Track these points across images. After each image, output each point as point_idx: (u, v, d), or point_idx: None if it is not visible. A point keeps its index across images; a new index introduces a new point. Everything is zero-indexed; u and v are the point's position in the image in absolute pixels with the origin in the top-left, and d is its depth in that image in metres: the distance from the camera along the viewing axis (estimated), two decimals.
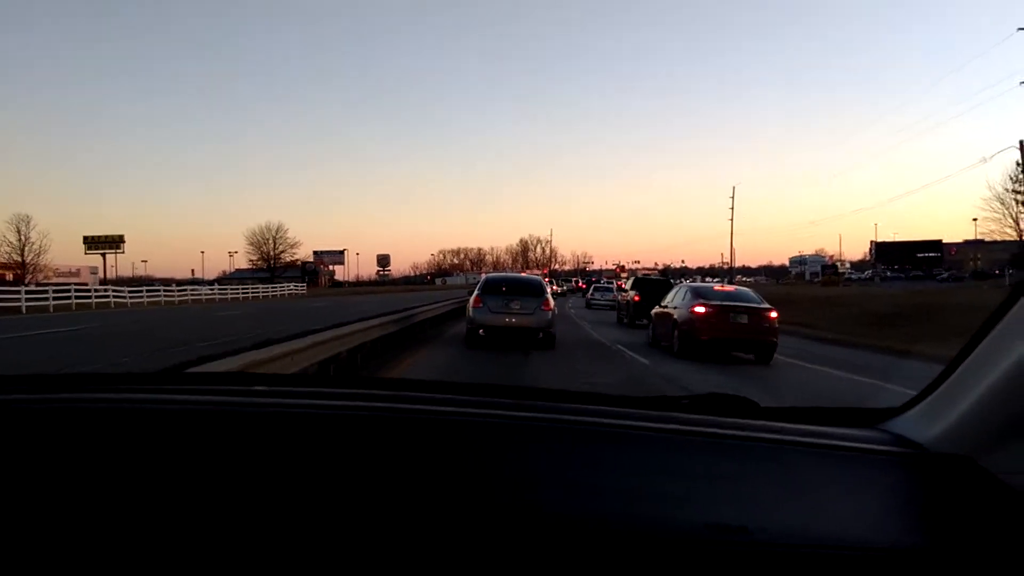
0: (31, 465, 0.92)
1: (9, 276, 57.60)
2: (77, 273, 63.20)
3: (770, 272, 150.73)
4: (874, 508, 0.95)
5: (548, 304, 14.44)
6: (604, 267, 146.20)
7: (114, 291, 37.95)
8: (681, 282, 22.66)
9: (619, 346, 15.37)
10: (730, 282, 70.91)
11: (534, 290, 14.84)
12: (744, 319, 12.93)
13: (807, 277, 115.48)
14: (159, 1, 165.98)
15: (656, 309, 15.67)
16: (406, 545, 0.84)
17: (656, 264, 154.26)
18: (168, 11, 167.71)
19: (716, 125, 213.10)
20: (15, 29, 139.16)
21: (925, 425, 1.07)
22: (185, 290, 46.36)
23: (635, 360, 12.83)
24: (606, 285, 39.08)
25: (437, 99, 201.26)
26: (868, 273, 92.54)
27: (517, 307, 14.23)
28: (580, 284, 70.29)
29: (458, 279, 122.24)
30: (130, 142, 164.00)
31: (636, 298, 21.35)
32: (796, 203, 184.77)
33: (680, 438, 1.04)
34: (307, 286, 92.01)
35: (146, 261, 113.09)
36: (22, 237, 64.45)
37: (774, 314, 13.14)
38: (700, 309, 13.11)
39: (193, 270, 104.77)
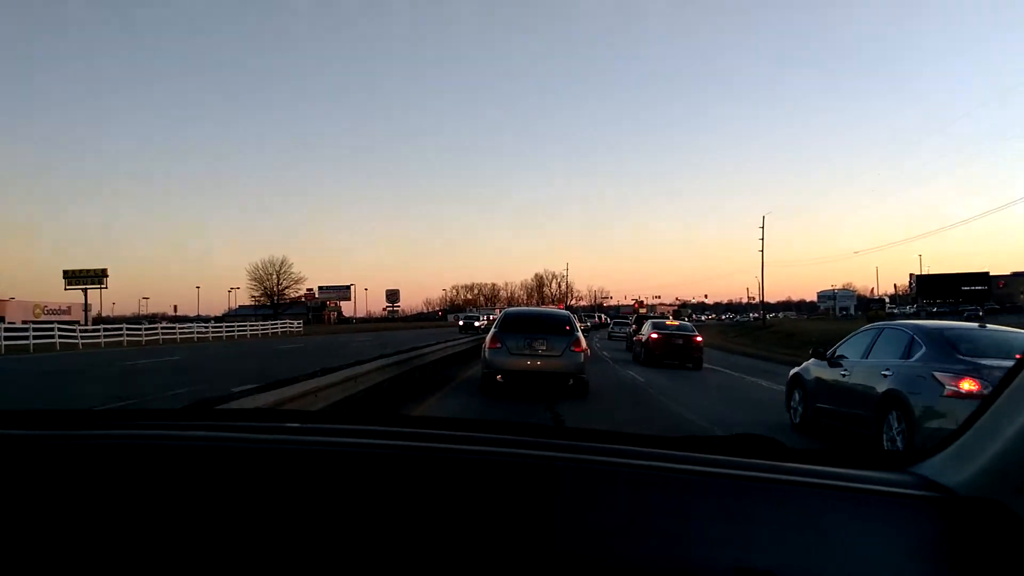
0: (67, 497, 0.97)
1: None
2: (68, 311, 61.79)
3: (786, 307, 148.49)
4: (903, 553, 0.96)
5: (579, 344, 12.50)
6: (622, 303, 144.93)
7: (105, 329, 36.34)
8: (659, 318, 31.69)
9: (616, 361, 24.00)
10: (763, 319, 68.52)
11: (562, 327, 12.89)
12: (681, 341, 22.06)
13: (837, 312, 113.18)
14: (156, 23, 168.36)
15: (636, 336, 25.87)
16: None
17: (676, 299, 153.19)
18: (166, 34, 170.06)
19: (739, 157, 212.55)
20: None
21: (954, 469, 1.07)
22: (173, 327, 44.83)
23: (620, 367, 21.24)
24: (624, 321, 47.56)
25: (448, 134, 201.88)
26: (912, 307, 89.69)
27: (542, 348, 12.33)
28: (604, 319, 79.40)
29: (472, 316, 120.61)
30: (116, 174, 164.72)
31: (633, 328, 30.05)
32: (821, 237, 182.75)
33: (709, 480, 1.04)
34: (312, 323, 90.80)
35: (148, 298, 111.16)
36: None
37: (699, 339, 22.56)
38: (655, 335, 22.33)
39: (176, 306, 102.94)
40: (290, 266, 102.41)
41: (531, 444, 1.15)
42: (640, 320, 32.54)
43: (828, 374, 9.16)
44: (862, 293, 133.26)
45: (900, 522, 0.99)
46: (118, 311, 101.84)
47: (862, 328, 9.68)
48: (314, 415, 2.27)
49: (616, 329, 45.74)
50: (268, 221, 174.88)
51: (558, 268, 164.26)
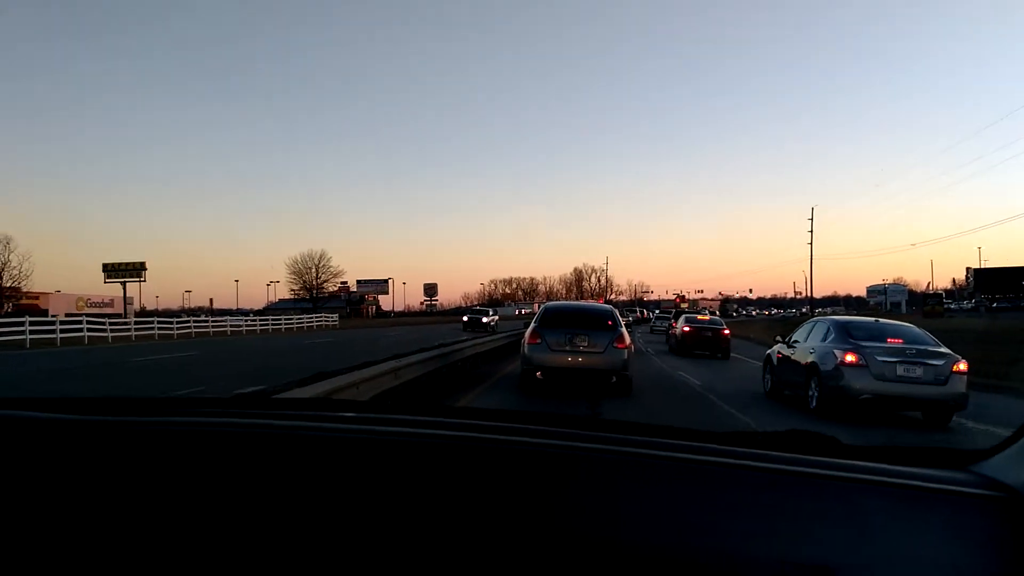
0: (141, 480, 1.01)
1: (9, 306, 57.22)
2: (111, 304, 62.96)
3: (833, 302, 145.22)
4: (962, 552, 0.94)
5: (623, 340, 12.06)
6: (663, 297, 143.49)
7: (136, 323, 36.84)
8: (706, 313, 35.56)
9: (655, 353, 26.13)
10: (811, 314, 66.93)
11: (605, 322, 12.47)
12: (710, 334, 24.94)
13: (887, 307, 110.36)
14: (192, 20, 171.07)
15: (672, 329, 30.12)
16: (486, 572, 0.90)
17: (720, 294, 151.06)
18: (203, 30, 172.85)
19: (788, 148, 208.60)
20: (34, 42, 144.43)
21: (1018, 467, 1.06)
22: (206, 321, 45.12)
23: (656, 357, 23.79)
24: (664, 316, 50.78)
25: (487, 129, 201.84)
26: (971, 302, 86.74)
27: (584, 344, 11.94)
28: (646, 314, 79.15)
29: (509, 309, 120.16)
30: (158, 168, 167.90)
31: (673, 324, 31.46)
32: (871, 230, 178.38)
33: (761, 475, 1.04)
34: (351, 317, 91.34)
35: (190, 291, 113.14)
36: (1, 261, 61.36)
37: (727, 332, 25.48)
38: (687, 328, 25.57)
39: (212, 300, 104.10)
40: (329, 260, 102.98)
41: (565, 435, 1.15)
42: (678, 315, 34.46)
43: (785, 352, 12.64)
44: (914, 288, 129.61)
45: (961, 521, 0.98)
46: (162, 304, 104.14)
47: (807, 321, 13.20)
48: (365, 405, 2.32)
49: (658, 324, 49.09)
50: (308, 215, 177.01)
51: (597, 262, 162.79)
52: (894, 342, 10.55)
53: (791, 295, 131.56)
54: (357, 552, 0.90)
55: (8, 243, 60.89)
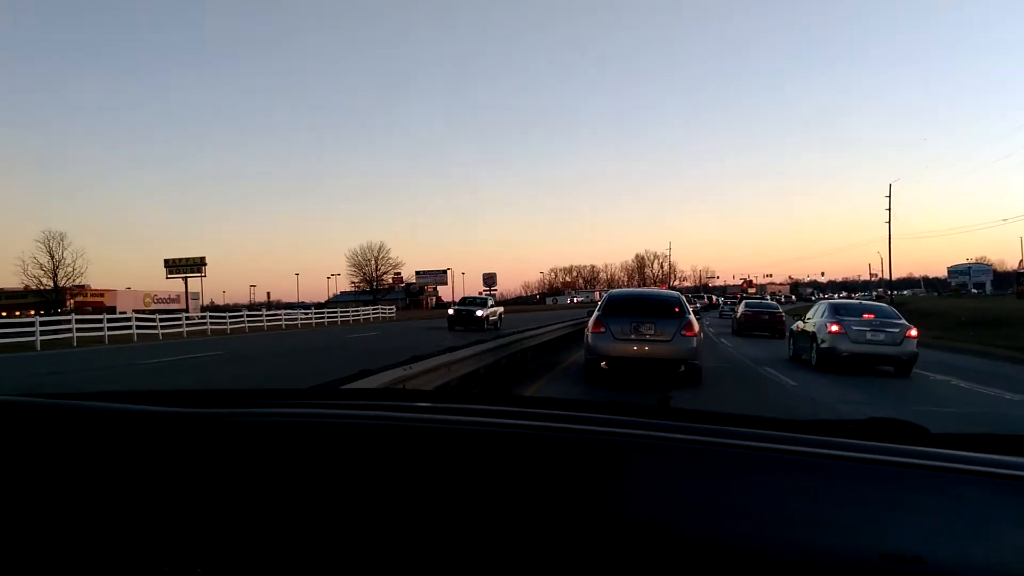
0: (225, 470, 1.03)
1: (71, 303, 58.66)
2: (176, 299, 65.03)
3: (911, 284, 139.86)
4: None
5: (691, 327, 11.73)
6: (729, 283, 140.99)
7: (187, 318, 37.91)
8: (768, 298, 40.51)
9: (717, 334, 28.45)
10: (891, 297, 64.43)
11: (672, 309, 12.15)
12: (767, 317, 29.53)
13: (970, 288, 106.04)
14: (249, 17, 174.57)
15: (733, 313, 35.30)
16: (555, 561, 0.89)
17: (790, 278, 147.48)
18: (259, 29, 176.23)
19: (862, 121, 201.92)
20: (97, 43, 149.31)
21: None
22: (260, 315, 44.37)
23: (718, 337, 26.03)
24: (734, 301, 53.91)
25: (546, 115, 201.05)
26: None
27: (650, 332, 11.66)
28: (714, 300, 78.83)
29: (567, 299, 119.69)
30: (217, 165, 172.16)
31: (736, 309, 35.73)
32: (953, 206, 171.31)
33: (845, 464, 1.02)
34: (410, 308, 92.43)
35: (255, 285, 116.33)
36: (55, 258, 62.05)
37: (782, 313, 30.29)
38: (746, 311, 30.42)
39: (269, 293, 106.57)
40: (387, 251, 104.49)
41: (645, 425, 1.15)
42: (742, 299, 39.23)
43: (801, 327, 17.32)
44: (998, 268, 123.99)
45: None
46: (229, 299, 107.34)
47: (816, 303, 19.00)
48: (432, 395, 2.23)
49: (727, 309, 52.10)
50: (367, 207, 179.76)
51: (660, 248, 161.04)
52: (868, 317, 15.10)
53: (865, 278, 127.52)
54: (442, 538, 0.91)
55: (62, 240, 62.67)
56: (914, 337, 14.44)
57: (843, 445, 1.08)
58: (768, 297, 43.90)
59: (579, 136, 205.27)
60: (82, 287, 63.64)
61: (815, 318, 16.23)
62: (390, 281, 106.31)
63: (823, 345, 14.96)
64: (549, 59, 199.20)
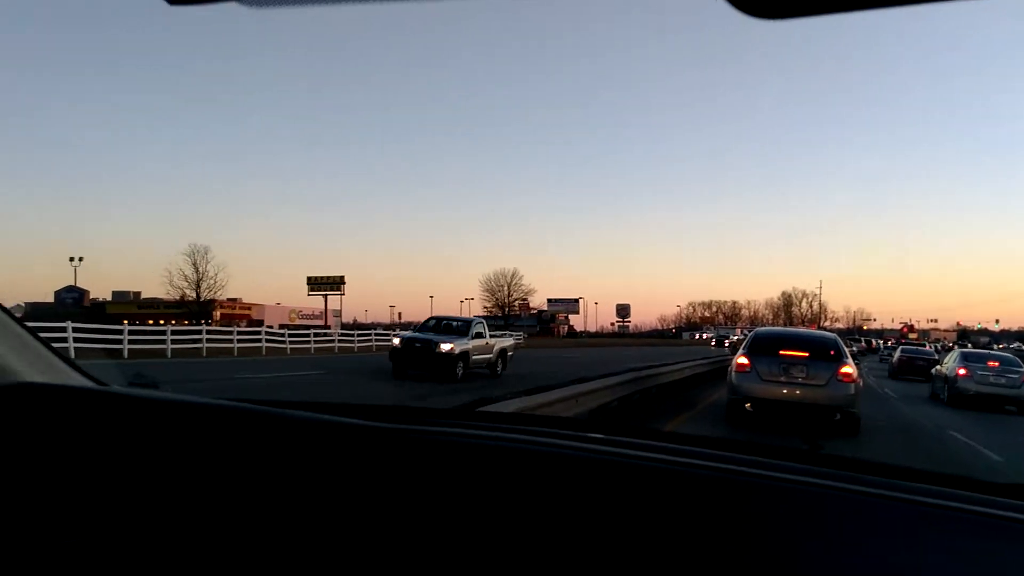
0: (371, 482, 1.06)
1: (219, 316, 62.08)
2: (320, 316, 68.49)
3: None
4: None
5: (848, 372, 10.94)
6: (887, 326, 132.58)
7: (315, 335, 39.51)
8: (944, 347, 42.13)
9: (874, 376, 29.41)
10: None
11: (826, 351, 11.44)
12: (922, 362, 29.90)
13: None
14: (377, 39, 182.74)
15: (891, 358, 37.02)
16: None
17: (958, 324, 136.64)
18: (391, 52, 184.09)
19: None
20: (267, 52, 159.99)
21: None
22: (388, 335, 45.45)
23: (874, 380, 26.83)
24: (894, 346, 54.27)
25: (685, 148, 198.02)
26: None
27: (801, 375, 11.00)
28: (873, 344, 75.27)
29: (695, 335, 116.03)
30: (360, 186, 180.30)
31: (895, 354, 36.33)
32: None
33: None
34: (540, 335, 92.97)
35: (394, 306, 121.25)
36: (199, 271, 63.62)
37: (936, 358, 28.67)
38: (901, 356, 32.59)
39: (400, 313, 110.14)
40: (520, 278, 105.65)
41: (794, 470, 1.10)
42: (898, 345, 42.78)
43: (939, 370, 20.79)
44: None
45: None
46: (371, 317, 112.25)
47: (956, 352, 21.26)
48: (576, 423, 2.20)
49: (885, 353, 53.61)
50: (502, 232, 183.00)
51: (808, 286, 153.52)
52: (992, 364, 18.39)
53: None
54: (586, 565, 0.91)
55: (206, 253, 65.81)
56: None
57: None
58: (932, 344, 45.97)
59: (720, 165, 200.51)
60: (234, 300, 68.19)
61: (948, 363, 19.77)
62: (521, 307, 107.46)
63: (953, 385, 18.29)
64: (686, 85, 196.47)
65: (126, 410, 1.24)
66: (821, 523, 0.96)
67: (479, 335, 19.63)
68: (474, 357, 18.89)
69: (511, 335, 27.51)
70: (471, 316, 20.28)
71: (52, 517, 1.02)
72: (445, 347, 17.71)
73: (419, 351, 17.99)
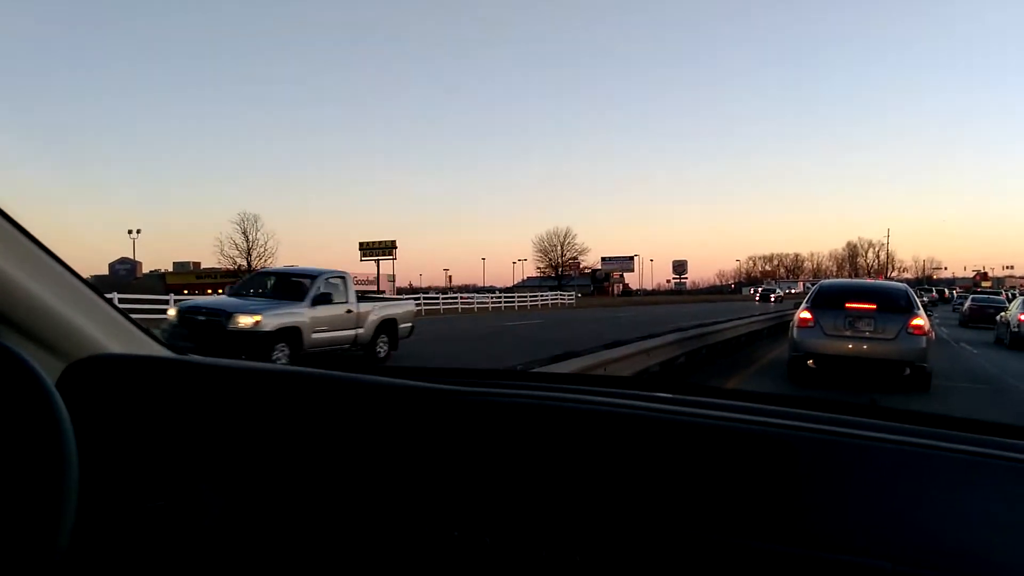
0: (432, 442, 1.08)
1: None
2: (373, 282, 69.08)
3: None
4: None
5: (919, 325, 10.39)
6: (958, 274, 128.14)
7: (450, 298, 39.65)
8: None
9: (946, 326, 29.71)
10: None
11: (896, 303, 10.91)
12: (991, 310, 27.47)
13: None
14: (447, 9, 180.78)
15: (962, 307, 35.79)
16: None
17: None
18: (459, 19, 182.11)
19: None
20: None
21: None
22: (437, 299, 46.39)
23: (944, 329, 26.60)
24: (964, 295, 52.83)
25: (737, 99, 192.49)
26: None
27: (868, 329, 10.49)
28: (946, 294, 74.62)
29: (750, 290, 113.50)
30: (410, 150, 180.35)
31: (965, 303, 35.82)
32: None
33: None
34: (595, 295, 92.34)
35: (448, 269, 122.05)
36: (249, 239, 65.97)
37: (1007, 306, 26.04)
38: (971, 305, 32.28)
39: (451, 276, 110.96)
40: (574, 237, 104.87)
41: (867, 425, 1.08)
42: (970, 293, 42.92)
43: (1003, 316, 21.43)
44: None
45: None
46: (425, 282, 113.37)
47: (1020, 299, 21.46)
48: (647, 383, 2.23)
49: (957, 302, 52.99)
50: (555, 192, 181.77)
51: (875, 235, 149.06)
52: None
53: None
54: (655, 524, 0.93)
55: (256, 221, 67.59)
56: None
57: None
58: (1008, 292, 44.62)
59: (779, 112, 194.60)
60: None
61: (1013, 310, 20.18)
62: (574, 266, 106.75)
63: (1014, 330, 19.00)
64: (743, 41, 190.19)
65: (205, 378, 1.27)
66: (878, 476, 0.93)
67: (325, 298, 12.26)
68: (316, 335, 12.00)
69: (412, 299, 20.22)
70: (326, 269, 13.25)
71: (138, 483, 1.07)
72: (245, 321, 11.06)
73: (203, 327, 11.25)
